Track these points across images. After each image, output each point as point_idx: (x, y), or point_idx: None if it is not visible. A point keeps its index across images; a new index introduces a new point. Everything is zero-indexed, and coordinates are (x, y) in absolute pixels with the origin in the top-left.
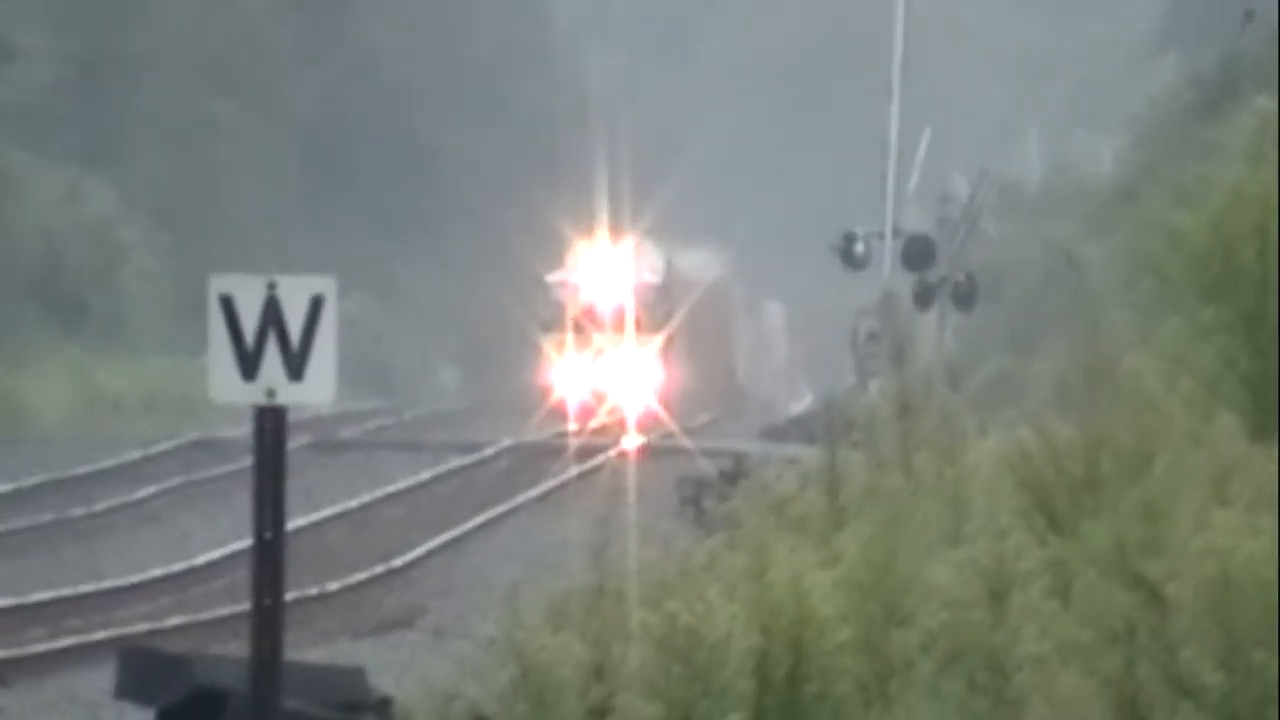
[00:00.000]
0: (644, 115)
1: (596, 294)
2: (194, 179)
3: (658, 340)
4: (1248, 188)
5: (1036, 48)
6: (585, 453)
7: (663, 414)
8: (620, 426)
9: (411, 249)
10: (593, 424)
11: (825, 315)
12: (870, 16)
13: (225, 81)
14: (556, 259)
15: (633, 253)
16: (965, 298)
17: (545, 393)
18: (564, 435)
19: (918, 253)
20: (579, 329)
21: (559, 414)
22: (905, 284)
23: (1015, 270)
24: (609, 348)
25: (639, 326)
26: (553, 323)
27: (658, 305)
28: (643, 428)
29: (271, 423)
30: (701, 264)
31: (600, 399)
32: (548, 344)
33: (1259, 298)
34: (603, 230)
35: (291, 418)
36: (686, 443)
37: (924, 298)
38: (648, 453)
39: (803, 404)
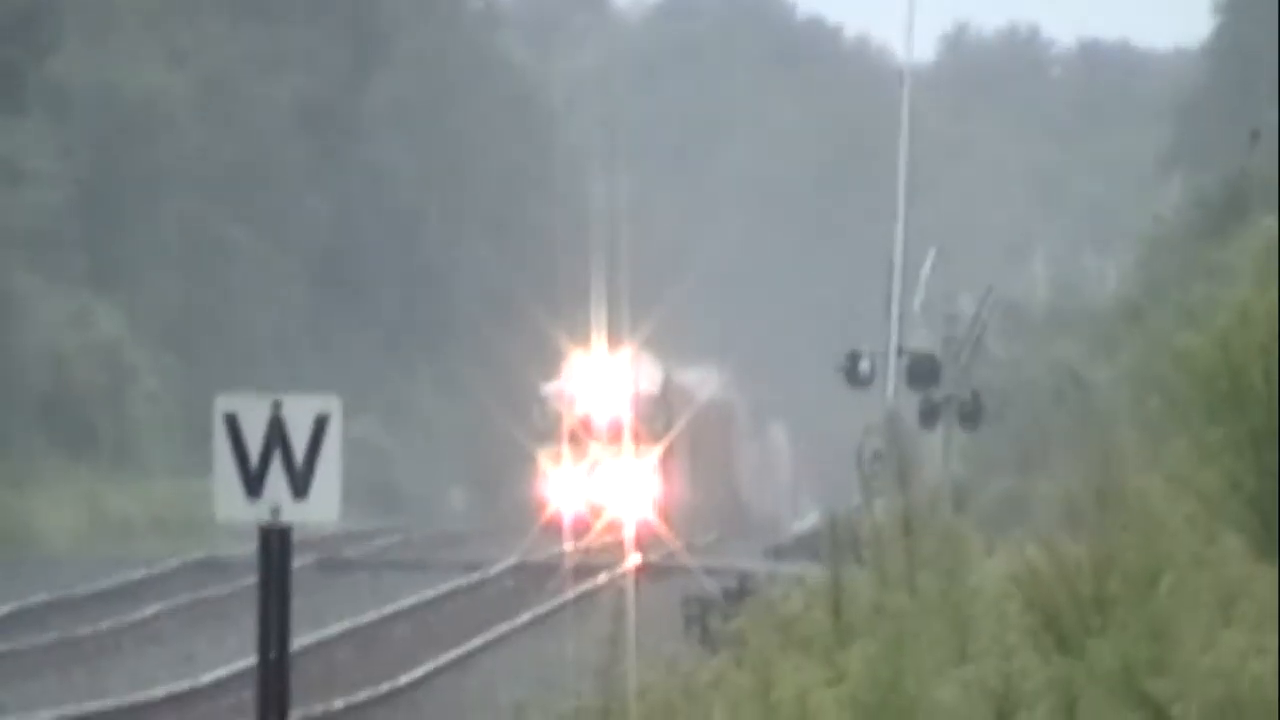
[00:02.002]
0: (648, 234)
1: (593, 404)
2: (202, 301)
3: (655, 452)
4: (1254, 307)
5: (1044, 168)
6: (589, 571)
7: (661, 528)
8: (622, 544)
9: (418, 369)
10: (589, 537)
11: (829, 434)
12: (877, 137)
13: (233, 203)
14: (554, 371)
15: (630, 363)
16: (970, 417)
17: (541, 506)
18: (568, 554)
19: (923, 372)
20: (575, 440)
21: (555, 527)
22: (910, 403)
23: (1022, 390)
24: (606, 459)
25: (636, 438)
26: (549, 434)
27: (656, 417)
28: (645, 545)
29: (276, 541)
30: (702, 380)
31: (597, 512)
32: (544, 456)
33: (1265, 418)
34: (600, 340)
35: (297, 537)
36: (690, 561)
37: (929, 417)
38: (652, 571)
39: (807, 522)
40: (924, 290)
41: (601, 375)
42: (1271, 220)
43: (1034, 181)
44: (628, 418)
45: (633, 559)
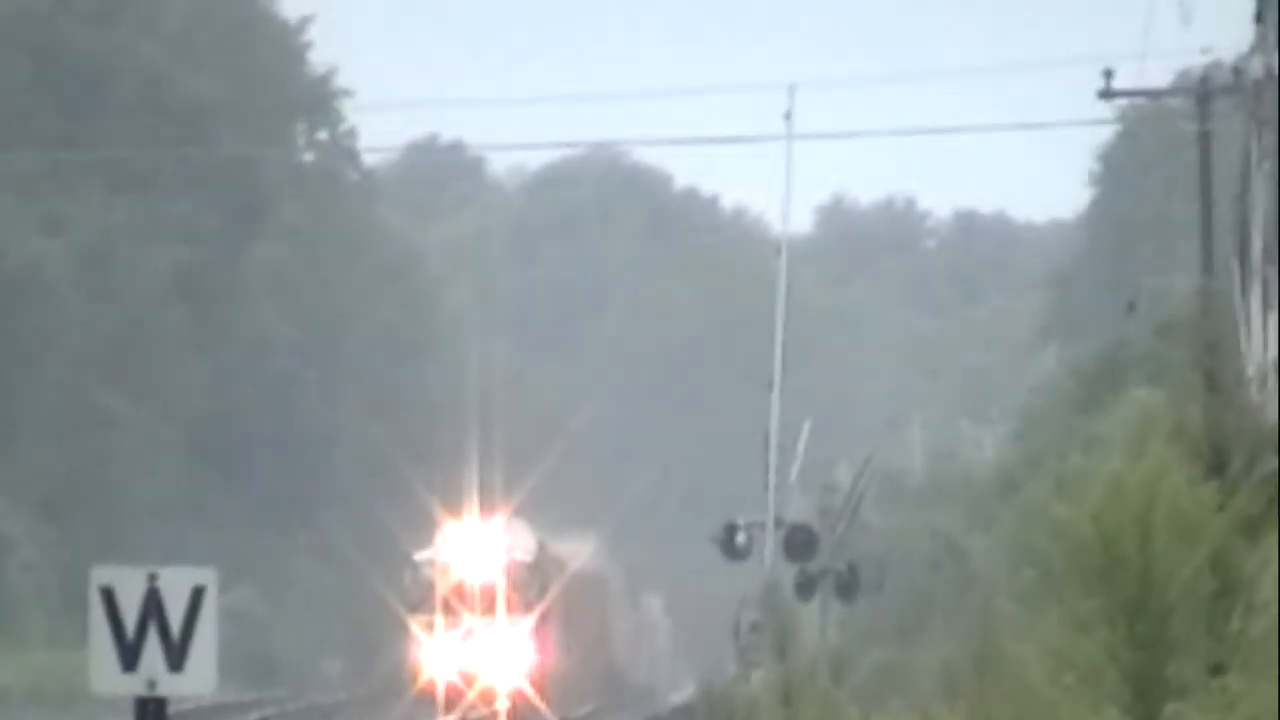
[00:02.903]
0: (524, 402)
1: (466, 572)
2: (80, 470)
3: (529, 621)
4: (1127, 479)
5: (921, 337)
6: None
7: (534, 696)
8: (497, 716)
9: (295, 539)
10: (463, 706)
11: (706, 604)
12: (754, 306)
13: (112, 372)
14: (428, 538)
15: (504, 531)
16: (847, 588)
17: (414, 674)
18: None
19: (800, 543)
20: (448, 608)
21: (429, 696)
22: (787, 574)
23: (899, 560)
24: (479, 627)
25: (510, 606)
26: (422, 602)
27: (530, 585)
28: (520, 717)
29: (152, 713)
30: (576, 548)
31: (470, 680)
32: (417, 624)
33: (1139, 589)
34: (473, 508)
35: (172, 709)
36: None
37: (806, 588)
38: None
39: (684, 694)
40: (801, 460)
41: (475, 542)
42: (1143, 393)
43: (911, 351)
44: (501, 585)
45: None
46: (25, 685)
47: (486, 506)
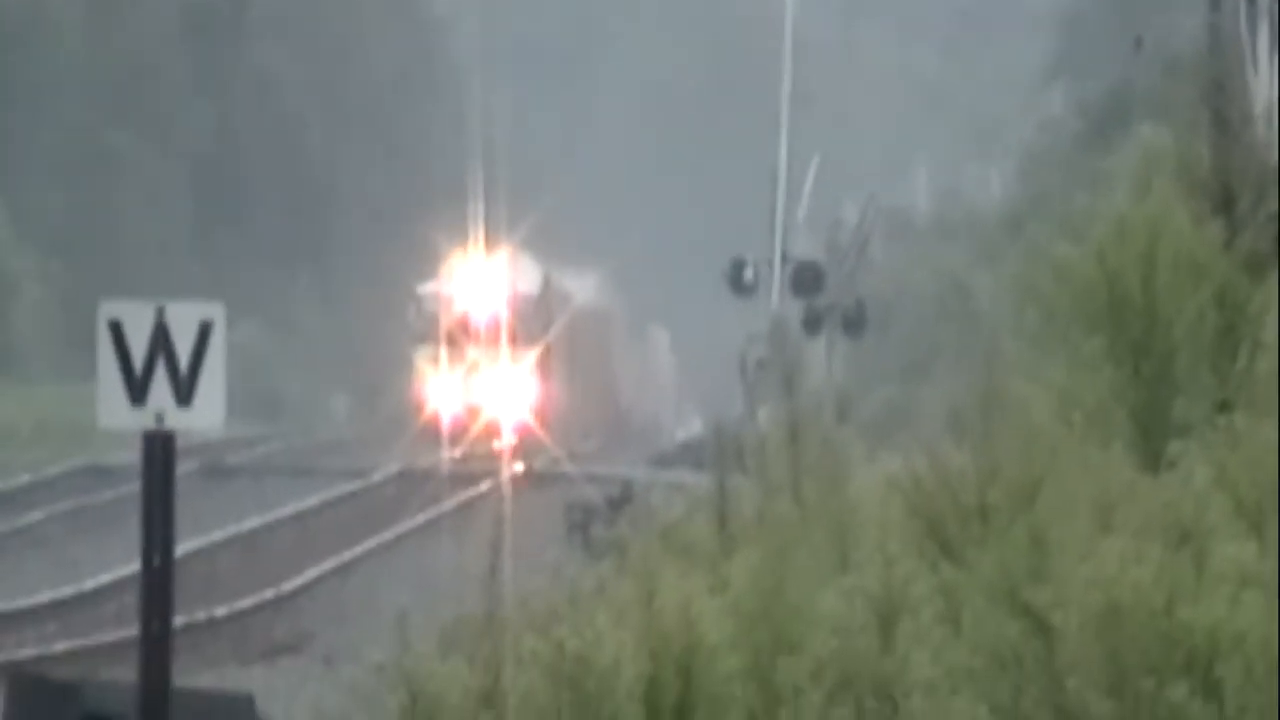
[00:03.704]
0: (531, 138)
1: (471, 305)
2: (86, 208)
3: (534, 354)
4: (1132, 218)
5: (929, 76)
6: (473, 478)
7: (539, 430)
8: (504, 450)
9: (302, 278)
10: (468, 438)
11: (713, 341)
12: (763, 46)
13: (118, 111)
14: (433, 273)
15: (508, 264)
16: (854, 324)
17: (419, 408)
18: (451, 460)
19: (807, 279)
20: (452, 341)
21: (433, 429)
22: (794, 310)
23: (905, 298)
24: (483, 361)
25: (514, 339)
26: (425, 335)
27: (534, 318)
28: (527, 451)
29: (160, 448)
30: (582, 284)
31: (474, 413)
32: (421, 358)
33: (1144, 328)
34: (477, 241)
35: (180, 443)
36: (572, 468)
37: (813, 324)
38: (535, 478)
39: (691, 430)
40: (808, 198)
41: (479, 275)
42: (1149, 130)
43: (918, 90)
44: (505, 318)
45: (516, 466)
46: (32, 421)
47: (491, 241)
